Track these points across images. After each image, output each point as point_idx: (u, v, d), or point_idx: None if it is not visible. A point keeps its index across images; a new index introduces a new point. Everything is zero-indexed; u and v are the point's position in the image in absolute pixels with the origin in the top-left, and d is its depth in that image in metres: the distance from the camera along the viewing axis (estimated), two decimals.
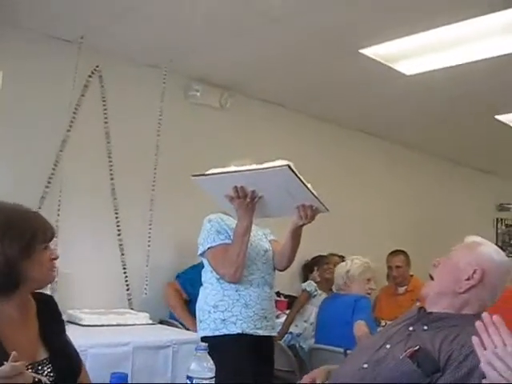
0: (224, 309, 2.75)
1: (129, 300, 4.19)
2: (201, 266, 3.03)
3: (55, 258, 1.81)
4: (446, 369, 1.70)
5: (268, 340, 2.89)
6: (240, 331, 2.73)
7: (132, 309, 4.08)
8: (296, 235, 2.77)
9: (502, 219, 8.38)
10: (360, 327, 3.45)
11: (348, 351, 3.07)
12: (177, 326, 3.90)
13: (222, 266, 2.74)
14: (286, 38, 3.74)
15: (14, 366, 1.40)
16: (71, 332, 2.02)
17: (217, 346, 2.67)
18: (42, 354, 1.78)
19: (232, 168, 2.58)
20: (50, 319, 1.89)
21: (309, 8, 3.27)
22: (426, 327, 1.88)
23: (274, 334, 2.98)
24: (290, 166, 2.36)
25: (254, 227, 2.77)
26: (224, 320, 2.74)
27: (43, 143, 3.87)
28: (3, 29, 3.68)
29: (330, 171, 5.45)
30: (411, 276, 5.10)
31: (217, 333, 2.74)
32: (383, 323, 3.85)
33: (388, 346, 1.88)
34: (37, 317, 1.85)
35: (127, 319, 3.57)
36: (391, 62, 4.02)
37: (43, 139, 3.86)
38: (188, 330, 3.75)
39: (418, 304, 2.48)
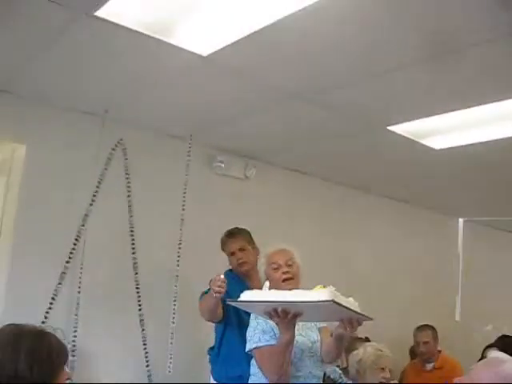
0: None
1: (148, 377, 4.07)
2: None
3: (69, 379, 1.82)
4: None
5: None
6: None
7: None
8: (341, 342, 2.71)
9: None
10: None
11: None
12: None
13: (268, 370, 2.69)
14: (310, 112, 3.69)
15: None
16: None
17: None
18: None
19: (270, 296, 2.50)
20: None
21: (334, 85, 3.23)
22: None
23: None
24: (334, 301, 2.25)
25: None
26: None
27: (66, 217, 3.82)
28: (27, 103, 3.70)
29: (357, 240, 5.35)
30: (439, 352, 4.88)
31: None
32: None
33: None
34: None
35: None
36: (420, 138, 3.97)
37: (66, 214, 3.82)
38: None
39: None
